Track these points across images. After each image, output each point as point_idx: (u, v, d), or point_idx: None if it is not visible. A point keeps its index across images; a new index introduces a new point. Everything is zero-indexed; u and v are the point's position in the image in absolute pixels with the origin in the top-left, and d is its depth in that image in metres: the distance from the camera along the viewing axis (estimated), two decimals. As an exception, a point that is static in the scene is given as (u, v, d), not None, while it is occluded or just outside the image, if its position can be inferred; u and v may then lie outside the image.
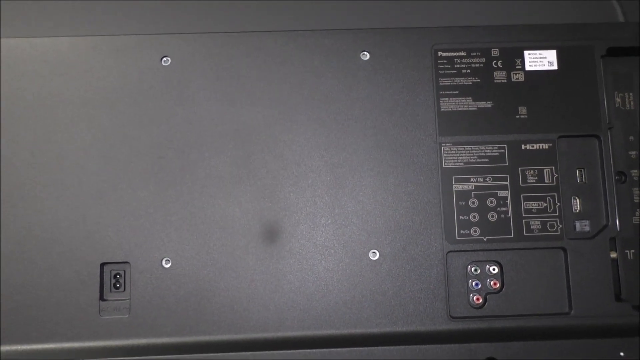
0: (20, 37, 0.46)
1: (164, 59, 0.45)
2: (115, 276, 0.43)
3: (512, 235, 0.44)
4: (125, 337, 0.42)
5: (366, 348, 0.43)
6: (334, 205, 0.44)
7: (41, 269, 0.42)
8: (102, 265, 0.43)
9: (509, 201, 0.44)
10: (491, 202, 0.44)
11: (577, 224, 0.44)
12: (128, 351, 0.42)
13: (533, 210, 0.44)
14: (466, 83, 0.45)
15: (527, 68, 0.46)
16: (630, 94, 0.46)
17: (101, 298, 0.42)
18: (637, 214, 0.44)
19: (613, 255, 0.44)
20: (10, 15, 0.52)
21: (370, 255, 0.43)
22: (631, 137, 0.45)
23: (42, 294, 0.42)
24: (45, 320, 0.42)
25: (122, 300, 0.42)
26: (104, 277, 0.43)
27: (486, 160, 0.45)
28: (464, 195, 0.44)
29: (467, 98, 0.45)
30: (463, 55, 0.46)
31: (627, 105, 0.46)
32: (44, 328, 0.42)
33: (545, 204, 0.44)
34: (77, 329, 0.42)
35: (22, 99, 0.45)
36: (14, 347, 0.41)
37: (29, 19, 0.51)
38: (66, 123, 0.44)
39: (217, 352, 0.42)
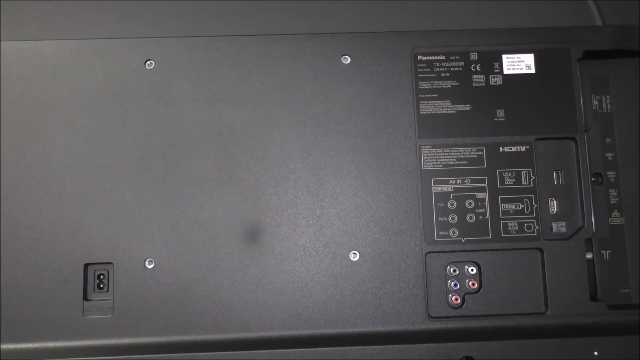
0: (4, 40, 0.46)
1: (148, 62, 0.46)
2: (98, 276, 0.43)
3: (490, 237, 0.44)
4: (108, 336, 0.42)
5: (346, 348, 0.43)
6: (315, 206, 0.44)
7: (25, 269, 0.43)
8: (86, 265, 0.43)
9: (487, 203, 0.45)
10: (469, 203, 0.45)
11: (554, 225, 0.45)
12: (111, 351, 0.43)
13: (510, 211, 0.45)
14: (445, 86, 0.46)
15: (505, 71, 0.46)
16: (607, 96, 0.47)
17: (84, 298, 0.43)
18: (612, 215, 0.45)
19: (589, 256, 0.44)
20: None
21: (351, 256, 0.44)
22: (607, 140, 0.46)
23: (25, 293, 0.43)
24: (29, 320, 0.42)
25: (105, 300, 0.43)
26: (88, 277, 0.43)
27: (465, 162, 0.45)
28: (442, 197, 0.45)
29: (446, 101, 0.46)
30: (442, 59, 0.46)
31: (604, 108, 0.47)
32: (27, 327, 0.42)
33: (522, 206, 0.45)
34: (60, 329, 0.42)
35: (6, 101, 0.45)
36: (-3, 347, 0.42)
37: (12, 22, 0.52)
38: (50, 125, 0.45)
39: (199, 352, 0.43)
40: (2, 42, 0.46)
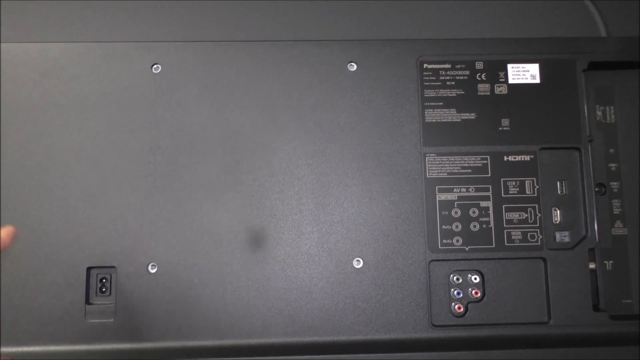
0: (12, 42, 0.46)
1: (155, 66, 0.46)
2: (101, 280, 0.43)
3: (494, 245, 0.44)
4: (110, 341, 0.42)
5: (349, 355, 0.43)
6: (319, 213, 0.44)
7: (28, 272, 0.43)
8: (89, 269, 0.43)
9: (490, 211, 0.45)
10: (473, 212, 0.45)
11: (557, 235, 0.45)
12: (113, 355, 0.42)
13: (514, 220, 0.45)
14: (450, 95, 0.46)
15: (511, 81, 0.46)
16: (611, 107, 0.47)
17: (87, 302, 0.43)
18: (615, 225, 0.45)
19: (592, 265, 0.44)
20: (2, 20, 0.52)
21: (354, 263, 0.44)
22: (611, 150, 0.46)
23: (28, 296, 0.42)
24: (31, 323, 0.42)
25: (107, 304, 0.43)
26: (90, 281, 0.43)
27: (469, 171, 0.45)
28: (447, 205, 0.45)
29: (451, 109, 0.46)
30: (448, 68, 0.47)
31: (608, 119, 0.47)
32: (29, 331, 0.42)
33: (526, 215, 0.45)
34: (62, 332, 0.42)
35: (13, 103, 0.45)
36: (-2, 350, 0.42)
37: (21, 24, 0.52)
38: (56, 128, 0.45)
39: (201, 358, 0.43)
40: (8, 44, 0.46)
